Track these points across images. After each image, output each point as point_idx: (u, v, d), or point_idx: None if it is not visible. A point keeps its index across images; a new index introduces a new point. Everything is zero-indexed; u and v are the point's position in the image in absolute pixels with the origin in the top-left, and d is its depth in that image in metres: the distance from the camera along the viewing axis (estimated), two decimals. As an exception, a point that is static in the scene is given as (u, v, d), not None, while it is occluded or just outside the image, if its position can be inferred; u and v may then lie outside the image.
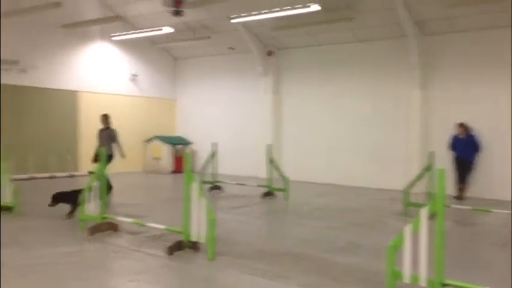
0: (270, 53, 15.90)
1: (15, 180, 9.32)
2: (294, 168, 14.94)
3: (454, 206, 9.65)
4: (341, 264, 5.83)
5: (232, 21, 12.91)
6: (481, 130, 11.97)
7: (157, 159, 17.05)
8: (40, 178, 14.13)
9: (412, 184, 9.51)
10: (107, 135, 10.64)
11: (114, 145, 10.56)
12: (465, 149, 11.79)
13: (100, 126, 10.92)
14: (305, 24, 13.32)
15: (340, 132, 14.63)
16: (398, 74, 13.48)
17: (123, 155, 10.57)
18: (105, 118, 10.91)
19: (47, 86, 14.68)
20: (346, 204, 10.83)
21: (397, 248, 4.59)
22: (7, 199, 8.19)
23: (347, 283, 5.11)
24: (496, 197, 11.66)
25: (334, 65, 14.78)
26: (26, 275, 5.09)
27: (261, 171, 14.76)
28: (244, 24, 14.50)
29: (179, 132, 18.53)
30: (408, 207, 9.36)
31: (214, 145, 12.12)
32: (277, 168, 11.38)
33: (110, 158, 10.15)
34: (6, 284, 4.75)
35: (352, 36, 14.03)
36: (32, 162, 14.13)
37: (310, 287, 4.95)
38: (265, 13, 11.99)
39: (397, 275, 4.62)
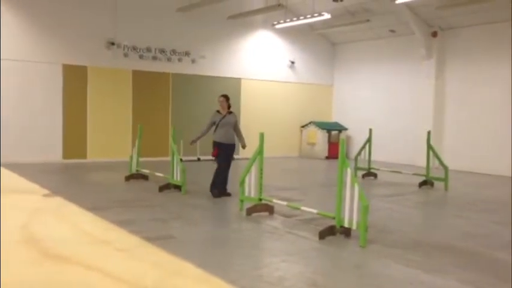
0: (434, 34, 14.97)
1: (185, 161, 10.25)
2: (456, 156, 13.94)
3: None
4: (505, 262, 5.35)
5: (397, 1, 12.44)
6: None
7: (312, 144, 17.31)
8: (205, 160, 15.33)
9: None
10: (228, 122, 8.93)
11: (235, 133, 9.04)
12: None
13: (219, 109, 9.22)
14: (476, 0, 12.23)
15: (512, 119, 13.22)
16: None
17: (244, 146, 9.19)
18: (227, 100, 9.20)
19: (214, 75, 15.82)
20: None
21: None
22: (177, 178, 9.06)
23: (510, 282, 4.68)
24: None
25: (509, 45, 13.31)
26: (191, 247, 5.62)
27: (419, 159, 14.05)
28: (407, 4, 13.84)
29: (335, 117, 18.53)
30: None
31: (370, 131, 11.89)
32: (437, 156, 10.74)
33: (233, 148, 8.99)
34: (175, 254, 5.31)
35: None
36: (199, 145, 15.40)
37: (470, 283, 4.62)
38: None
39: None
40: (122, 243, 0.69)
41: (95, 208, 7.07)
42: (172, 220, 6.90)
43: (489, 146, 13.72)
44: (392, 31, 16.06)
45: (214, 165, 8.77)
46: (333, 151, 16.64)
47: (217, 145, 8.72)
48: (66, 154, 13.55)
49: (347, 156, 7.39)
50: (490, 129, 13.78)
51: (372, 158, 12.08)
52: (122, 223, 6.47)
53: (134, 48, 14.32)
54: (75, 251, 0.63)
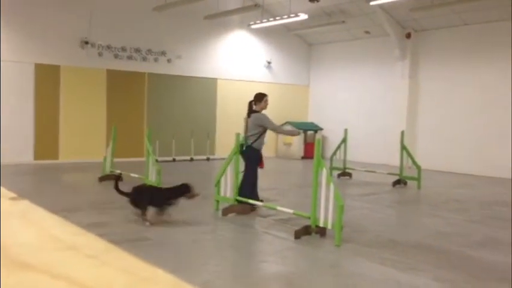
0: (408, 36, 15.21)
1: (160, 162, 10.16)
2: (430, 157, 14.19)
3: None
4: (478, 260, 5.46)
5: (372, 3, 12.59)
6: None
7: (288, 144, 17.38)
8: (180, 161, 15.24)
9: None
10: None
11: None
12: None
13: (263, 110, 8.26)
14: (449, 2, 12.46)
15: (486, 119, 13.49)
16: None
17: None
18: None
19: (190, 75, 15.74)
20: (488, 197, 10.04)
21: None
22: (152, 179, 8.97)
23: (484, 280, 4.78)
24: None
25: (481, 46, 13.62)
26: (166, 249, 5.56)
27: (393, 158, 14.25)
28: (382, 6, 14.02)
29: (311, 118, 18.64)
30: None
31: (346, 131, 11.99)
32: (410, 156, 10.91)
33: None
34: (150, 256, 5.25)
35: (503, 13, 12.77)
36: (174, 145, 15.30)
37: (445, 281, 4.70)
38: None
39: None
40: (90, 248, 0.67)
41: (67, 210, 6.95)
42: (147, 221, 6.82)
43: (462, 146, 14.00)
44: (367, 32, 16.25)
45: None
46: (309, 151, 16.72)
47: (259, 153, 7.74)
48: (37, 155, 13.28)
49: (323, 156, 7.42)
50: (463, 129, 14.06)
51: (348, 158, 12.19)
52: (95, 225, 6.38)
53: (109, 48, 14.13)
54: (41, 258, 0.61)
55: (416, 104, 15.29)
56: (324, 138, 17.46)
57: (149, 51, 14.81)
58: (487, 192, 10.81)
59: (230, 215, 7.21)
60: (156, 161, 9.36)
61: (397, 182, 10.93)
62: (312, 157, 7.21)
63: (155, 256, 5.17)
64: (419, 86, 15.24)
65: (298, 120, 18.03)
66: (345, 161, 12.11)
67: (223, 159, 8.01)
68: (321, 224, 6.02)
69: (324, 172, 6.00)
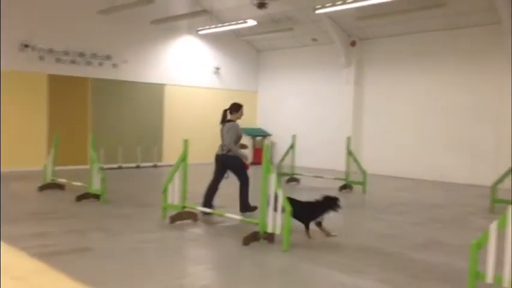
0: (353, 44, 15.59)
1: (105, 169, 9.89)
2: (375, 161, 14.59)
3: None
4: (420, 261, 5.64)
5: (318, 11, 12.81)
6: None
7: (238, 150, 17.34)
8: (127, 168, 14.90)
9: (500, 180, 8.95)
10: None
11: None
12: None
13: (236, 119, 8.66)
14: (391, 12, 12.91)
15: (428, 125, 14.04)
16: (492, 63, 12.68)
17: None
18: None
19: (136, 80, 15.44)
20: (429, 200, 10.41)
21: (480, 246, 4.36)
22: (96, 187, 8.71)
23: (426, 280, 4.93)
24: None
25: (420, 54, 14.18)
26: (109, 260, 5.40)
27: (340, 164, 14.54)
28: (328, 14, 14.31)
29: (260, 124, 18.74)
30: (496, 204, 8.83)
31: (293, 137, 12.12)
32: (356, 161, 11.17)
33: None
34: (92, 267, 5.08)
35: (442, 23, 13.36)
36: (120, 152, 14.94)
37: (389, 283, 4.82)
38: (351, 2, 11.74)
39: (479, 275, 4.38)
40: (18, 269, 0.62)
41: (4, 222, 6.63)
42: (90, 231, 6.60)
43: (404, 150, 14.47)
44: (314, 40, 16.54)
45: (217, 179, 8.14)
46: (257, 157, 16.79)
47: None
48: (-26, 163, 12.60)
49: (271, 162, 7.46)
50: (405, 134, 14.54)
51: (296, 164, 12.31)
52: (36, 236, 6.12)
53: (51, 51, 13.62)
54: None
55: (362, 111, 15.69)
56: (272, 144, 17.58)
57: (94, 55, 14.41)
58: (428, 195, 11.21)
59: (178, 223, 7.10)
60: (101, 168, 9.10)
61: (343, 187, 11.16)
62: (260, 163, 7.22)
63: (96, 268, 5.01)
64: (364, 92, 15.66)
65: (246, 126, 18.05)
66: (293, 166, 12.24)
67: (171, 166, 7.88)
68: (270, 230, 6.04)
69: (273, 178, 6.03)
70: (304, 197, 7.19)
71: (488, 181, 10.46)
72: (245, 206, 7.97)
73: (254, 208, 7.86)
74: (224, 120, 8.38)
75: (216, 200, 8.13)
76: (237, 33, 17.30)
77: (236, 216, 6.76)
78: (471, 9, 12.44)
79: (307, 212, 6.55)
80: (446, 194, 11.24)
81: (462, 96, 13.30)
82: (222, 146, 8.14)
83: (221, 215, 7.10)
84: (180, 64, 16.53)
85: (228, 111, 8.49)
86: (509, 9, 11.60)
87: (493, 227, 4.29)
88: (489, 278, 4.33)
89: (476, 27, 12.92)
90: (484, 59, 12.88)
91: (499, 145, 12.43)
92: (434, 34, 13.81)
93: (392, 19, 13.71)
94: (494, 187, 8.97)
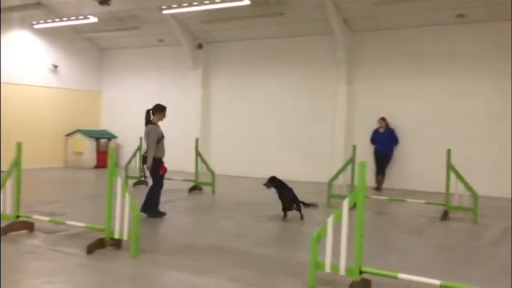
0: (200, 46, 15.71)
1: None
2: (223, 162, 14.89)
3: (373, 196, 10.08)
4: (266, 257, 5.85)
5: (164, 12, 12.61)
6: (399, 124, 12.63)
7: (79, 153, 16.37)
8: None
9: (335, 176, 9.76)
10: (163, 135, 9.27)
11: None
12: (385, 142, 12.48)
13: (155, 121, 9.26)
14: (235, 18, 13.31)
15: (269, 126, 14.78)
16: (326, 69, 13.82)
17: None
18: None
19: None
20: (273, 198, 10.87)
21: (320, 239, 4.66)
22: None
23: (274, 275, 5.12)
24: (411, 188, 12.35)
25: (263, 59, 14.89)
26: None
27: (189, 165, 14.55)
28: (174, 16, 14.22)
29: (104, 125, 17.88)
30: (332, 199, 9.61)
31: (141, 139, 11.79)
32: (204, 162, 11.28)
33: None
34: None
35: (282, 31, 14.16)
36: None
37: (239, 281, 4.91)
38: (196, 5, 11.78)
39: (318, 265, 4.68)
40: None
41: None
42: None
43: (251, 151, 15.01)
44: (161, 40, 16.30)
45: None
46: (102, 160, 16.01)
47: (161, 162, 8.72)
48: None
49: (117, 164, 7.15)
50: (251, 136, 15.08)
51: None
52: None
53: None
54: None
55: (209, 112, 15.90)
56: (118, 146, 16.91)
57: None
58: (272, 193, 11.72)
59: (11, 234, 6.41)
60: None
61: (193, 188, 11.19)
62: (105, 166, 6.85)
63: None
64: (211, 94, 15.88)
65: (89, 128, 17.11)
66: (140, 169, 11.89)
67: (3, 171, 7.10)
68: (117, 236, 5.76)
69: (119, 181, 5.76)
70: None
71: (325, 178, 11.36)
72: (149, 208, 8.06)
73: (162, 214, 8.17)
74: (147, 122, 8.84)
75: (52, 207, 7.53)
76: (77, 29, 16.30)
77: (79, 223, 6.31)
78: (307, 19, 13.37)
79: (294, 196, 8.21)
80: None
81: (300, 99, 14.26)
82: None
83: (62, 223, 6.57)
84: (13, 60, 15.00)
85: (151, 112, 8.93)
86: (339, 21, 12.73)
87: (330, 220, 4.63)
88: (327, 267, 4.65)
89: (311, 35, 13.93)
90: (319, 66, 13.96)
91: (333, 144, 13.57)
92: (275, 41, 14.60)
93: (236, 24, 14.14)
94: (330, 183, 9.74)
